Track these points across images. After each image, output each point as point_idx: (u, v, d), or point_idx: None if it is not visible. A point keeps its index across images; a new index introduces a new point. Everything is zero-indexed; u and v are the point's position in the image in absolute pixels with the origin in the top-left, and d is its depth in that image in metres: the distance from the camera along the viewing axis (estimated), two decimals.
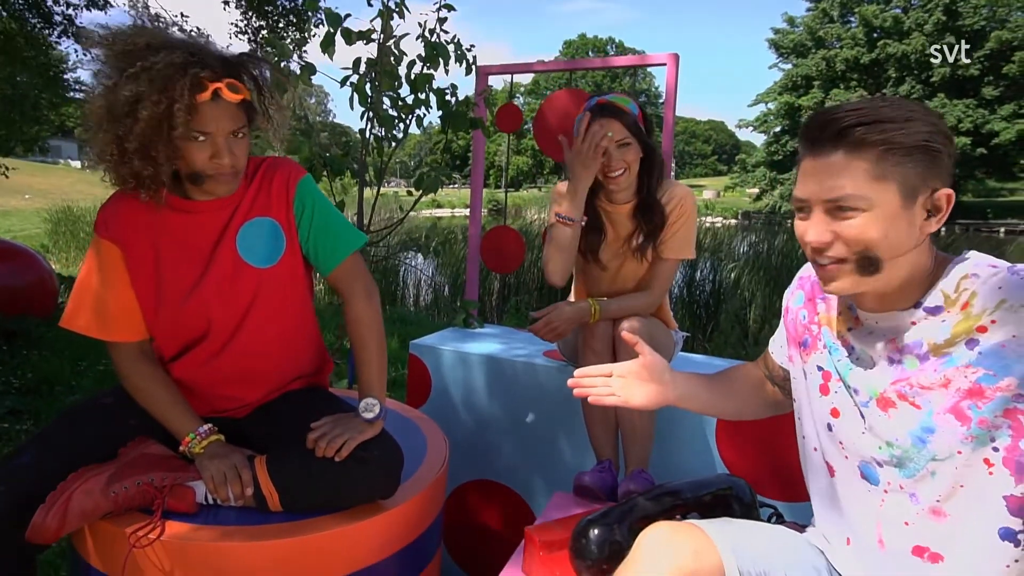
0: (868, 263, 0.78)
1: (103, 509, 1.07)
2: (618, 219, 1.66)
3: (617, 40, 58.30)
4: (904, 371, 0.83)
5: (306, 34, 6.10)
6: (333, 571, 1.14)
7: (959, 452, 0.78)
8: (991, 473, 0.77)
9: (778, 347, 1.07)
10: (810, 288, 0.99)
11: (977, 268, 0.78)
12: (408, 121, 2.09)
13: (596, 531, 1.06)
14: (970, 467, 0.78)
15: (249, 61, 1.15)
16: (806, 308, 0.99)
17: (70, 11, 6.22)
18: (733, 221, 26.25)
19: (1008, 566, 0.78)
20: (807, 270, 1.01)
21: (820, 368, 0.95)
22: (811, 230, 0.81)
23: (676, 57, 2.71)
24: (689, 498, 1.16)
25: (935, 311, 0.80)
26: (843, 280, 0.81)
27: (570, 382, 1.05)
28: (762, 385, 1.15)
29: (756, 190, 35.59)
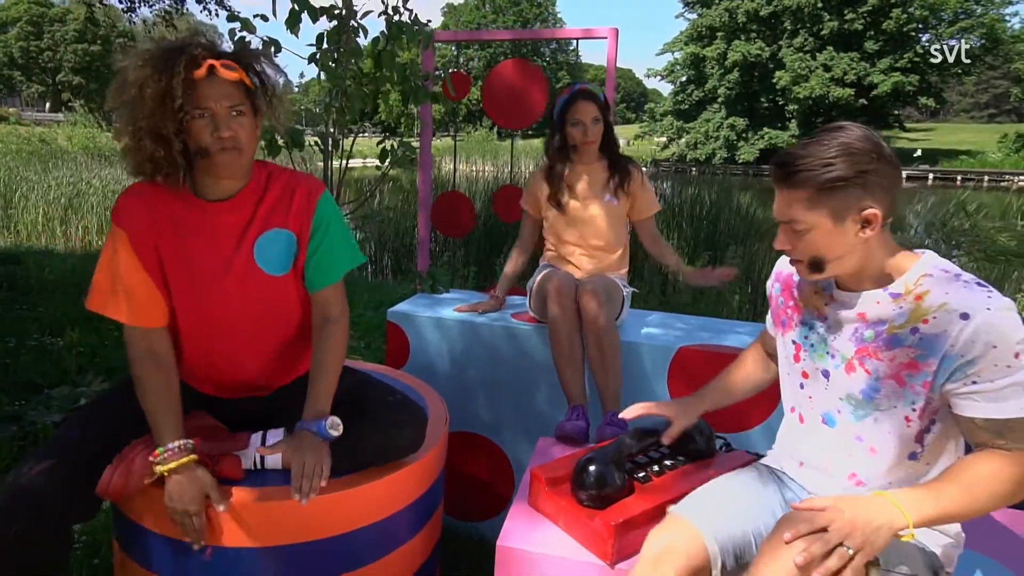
0: (815, 264, 1.08)
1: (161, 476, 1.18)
2: (590, 173, 2.12)
3: None
4: (864, 342, 1.09)
5: None
6: (366, 519, 1.32)
7: (895, 407, 1.07)
8: (909, 424, 1.06)
9: (770, 325, 1.33)
10: (785, 278, 1.25)
11: (933, 269, 1.04)
12: (375, 97, 2.15)
13: (593, 467, 1.29)
14: (898, 418, 1.07)
15: (249, 53, 1.24)
16: (783, 295, 1.25)
17: None
18: (643, 170, 27.06)
19: (905, 474, 1.09)
20: (780, 265, 1.28)
21: (794, 342, 1.22)
22: (778, 239, 1.10)
23: (616, 32, 2.89)
24: (662, 435, 1.42)
25: (896, 296, 1.06)
26: (803, 273, 1.11)
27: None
28: (766, 362, 1.41)
29: (664, 139, 36.72)
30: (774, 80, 31.73)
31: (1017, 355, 0.95)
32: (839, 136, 1.02)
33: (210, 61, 1.15)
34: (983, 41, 30.00)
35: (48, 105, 41.25)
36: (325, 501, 1.25)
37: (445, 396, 2.14)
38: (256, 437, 1.31)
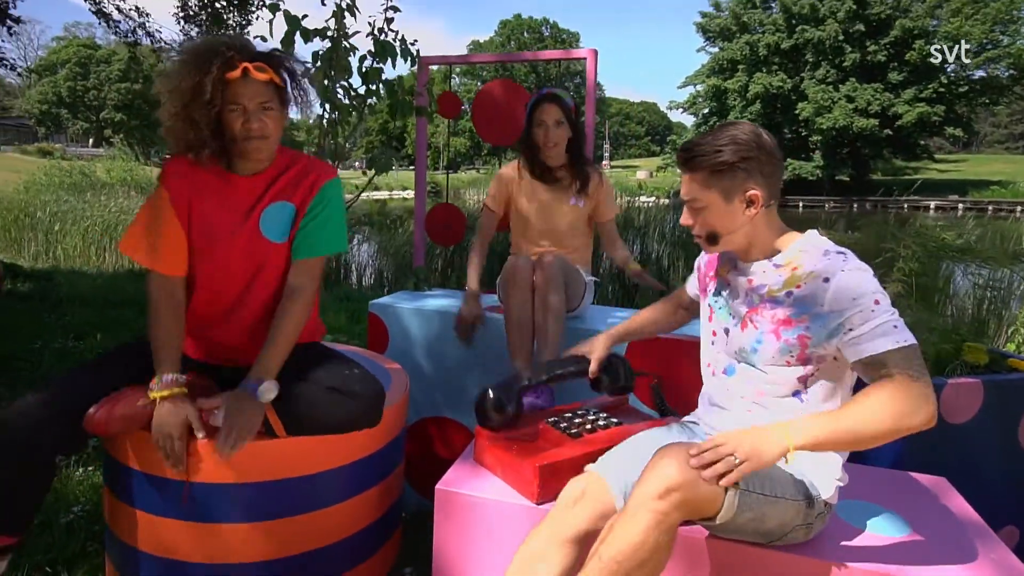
0: (711, 237, 1.27)
1: (140, 418, 1.36)
2: (556, 174, 2.25)
3: (552, 20, 58.55)
4: (753, 304, 1.28)
5: (249, 16, 6.15)
6: (327, 464, 1.48)
7: (773, 356, 1.24)
8: (789, 365, 1.23)
9: (691, 286, 1.56)
10: (710, 255, 1.44)
11: (809, 245, 1.23)
12: (362, 110, 2.37)
13: (492, 393, 1.52)
14: (779, 365, 1.25)
15: (283, 57, 1.47)
16: (707, 268, 1.44)
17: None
18: (665, 200, 27.24)
19: (793, 410, 1.25)
20: None
21: (709, 305, 1.41)
22: (683, 216, 1.30)
23: (595, 52, 3.09)
24: (561, 368, 1.59)
25: (778, 267, 1.25)
26: (703, 245, 1.30)
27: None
28: (675, 309, 1.65)
29: None
30: (797, 111, 31.84)
31: (877, 302, 1.13)
32: (730, 129, 1.22)
33: (244, 64, 1.37)
34: (1011, 71, 29.79)
35: (91, 141, 43.31)
36: (290, 444, 1.42)
37: (419, 382, 2.30)
38: None
